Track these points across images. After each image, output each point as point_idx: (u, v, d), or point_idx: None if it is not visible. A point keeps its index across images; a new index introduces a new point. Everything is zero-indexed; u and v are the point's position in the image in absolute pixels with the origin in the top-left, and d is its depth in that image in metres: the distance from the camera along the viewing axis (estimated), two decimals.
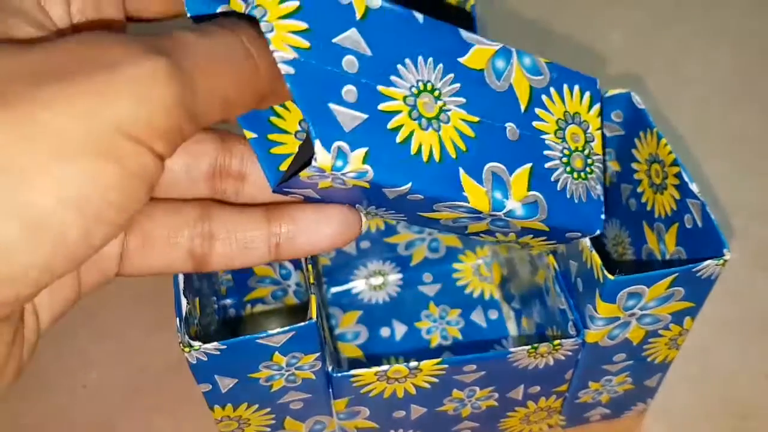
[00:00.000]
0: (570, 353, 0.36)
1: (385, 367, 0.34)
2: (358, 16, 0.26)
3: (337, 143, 0.25)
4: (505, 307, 0.48)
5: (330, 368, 0.34)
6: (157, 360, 0.47)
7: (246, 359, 0.32)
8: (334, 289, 0.50)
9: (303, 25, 0.25)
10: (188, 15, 0.26)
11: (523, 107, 0.29)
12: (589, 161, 0.31)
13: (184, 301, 0.32)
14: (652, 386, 0.41)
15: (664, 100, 0.59)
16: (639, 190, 0.40)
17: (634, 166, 0.40)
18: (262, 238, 0.28)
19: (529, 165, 0.29)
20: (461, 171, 0.27)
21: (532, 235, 0.31)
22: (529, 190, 0.28)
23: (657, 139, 0.37)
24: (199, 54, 0.22)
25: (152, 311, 0.49)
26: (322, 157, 0.25)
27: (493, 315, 0.48)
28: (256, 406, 0.36)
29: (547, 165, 0.29)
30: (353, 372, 0.34)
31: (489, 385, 0.37)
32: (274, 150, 0.29)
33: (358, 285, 0.50)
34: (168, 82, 0.20)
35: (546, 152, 0.29)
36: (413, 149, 0.27)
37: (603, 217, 0.31)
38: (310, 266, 0.34)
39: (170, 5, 0.26)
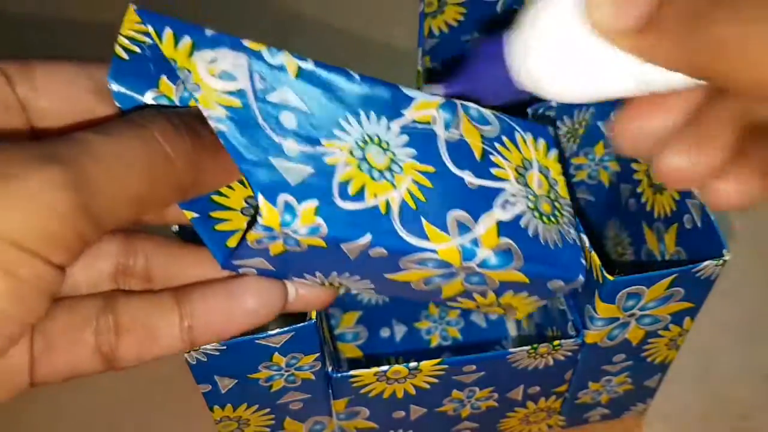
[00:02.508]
0: (570, 354, 0.36)
1: (384, 368, 0.34)
2: (291, 76, 0.26)
3: (282, 196, 0.23)
4: None
5: (330, 369, 0.34)
6: (158, 360, 0.47)
7: (246, 360, 0.32)
8: None
9: (234, 86, 0.24)
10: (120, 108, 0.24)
11: (477, 156, 0.28)
12: (557, 205, 0.29)
13: None
14: (652, 386, 0.41)
15: None
16: (639, 190, 0.40)
17: (634, 166, 0.40)
18: (171, 323, 0.26)
19: (494, 211, 0.27)
20: (423, 220, 0.25)
21: (512, 291, 0.28)
22: (499, 237, 0.26)
23: None
24: (103, 154, 0.21)
25: None
26: (268, 212, 0.23)
27: (493, 315, 0.48)
28: (256, 406, 0.36)
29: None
30: (353, 372, 0.34)
31: (489, 385, 0.37)
32: (220, 227, 0.26)
33: None
34: (62, 190, 0.20)
35: (510, 198, 0.28)
36: (367, 201, 0.25)
37: (583, 262, 0.28)
38: None
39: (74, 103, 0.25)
